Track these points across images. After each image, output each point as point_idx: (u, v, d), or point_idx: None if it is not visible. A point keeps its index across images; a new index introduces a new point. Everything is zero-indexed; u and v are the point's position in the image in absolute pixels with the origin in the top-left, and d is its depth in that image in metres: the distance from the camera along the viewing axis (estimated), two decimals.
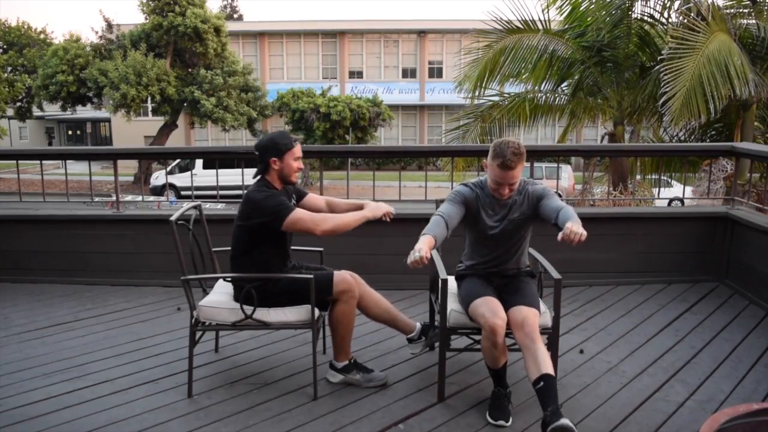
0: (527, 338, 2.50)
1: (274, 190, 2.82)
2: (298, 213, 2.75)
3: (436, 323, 3.12)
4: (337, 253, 3.60)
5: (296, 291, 2.82)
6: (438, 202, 3.39)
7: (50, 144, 37.86)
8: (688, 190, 8.80)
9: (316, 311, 2.82)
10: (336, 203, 3.07)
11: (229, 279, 2.94)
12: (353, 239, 3.96)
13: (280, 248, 2.94)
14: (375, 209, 2.93)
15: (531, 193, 2.73)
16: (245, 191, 2.88)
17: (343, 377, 2.96)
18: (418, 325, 3.07)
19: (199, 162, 16.30)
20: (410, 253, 2.39)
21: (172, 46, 21.46)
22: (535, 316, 2.58)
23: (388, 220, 2.98)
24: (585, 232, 2.37)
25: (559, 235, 2.41)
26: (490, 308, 2.57)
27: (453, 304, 2.78)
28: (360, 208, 2.97)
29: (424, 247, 2.41)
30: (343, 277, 2.87)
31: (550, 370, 2.42)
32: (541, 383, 2.39)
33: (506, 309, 2.63)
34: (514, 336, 2.58)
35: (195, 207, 3.16)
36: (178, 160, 18.37)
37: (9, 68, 24.53)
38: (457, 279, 2.95)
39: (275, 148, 2.80)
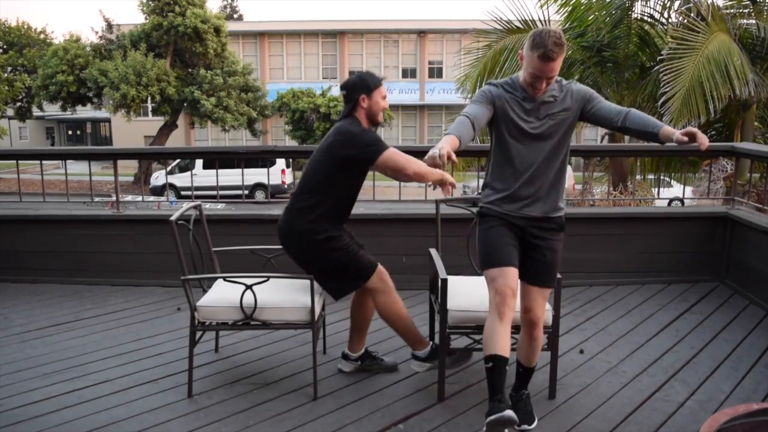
0: (528, 327, 2.51)
1: (366, 129, 2.79)
2: (394, 150, 2.73)
3: (374, 353, 3.13)
4: None
5: (349, 263, 2.81)
6: (438, 202, 3.40)
7: (51, 144, 37.85)
8: (688, 190, 8.80)
9: (317, 310, 2.82)
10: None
11: (231, 279, 2.94)
12: None
13: (351, 196, 2.89)
14: (448, 176, 2.81)
15: (576, 90, 2.46)
16: (335, 125, 2.83)
17: (431, 364, 3.02)
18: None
19: (199, 162, 16.29)
20: (430, 152, 2.14)
21: (172, 46, 21.47)
22: (545, 300, 2.53)
23: (448, 195, 2.84)
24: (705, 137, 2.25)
25: (680, 137, 2.23)
26: (506, 281, 2.37)
27: (453, 303, 2.77)
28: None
29: (445, 146, 2.18)
30: (381, 273, 2.89)
31: (535, 364, 2.62)
32: (522, 370, 2.63)
33: (522, 275, 2.46)
34: (520, 315, 2.52)
35: (195, 207, 3.16)
36: (178, 160, 18.36)
37: (9, 68, 24.53)
38: (479, 214, 2.59)
39: (365, 85, 2.78)
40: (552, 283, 2.53)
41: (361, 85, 2.79)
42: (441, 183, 2.76)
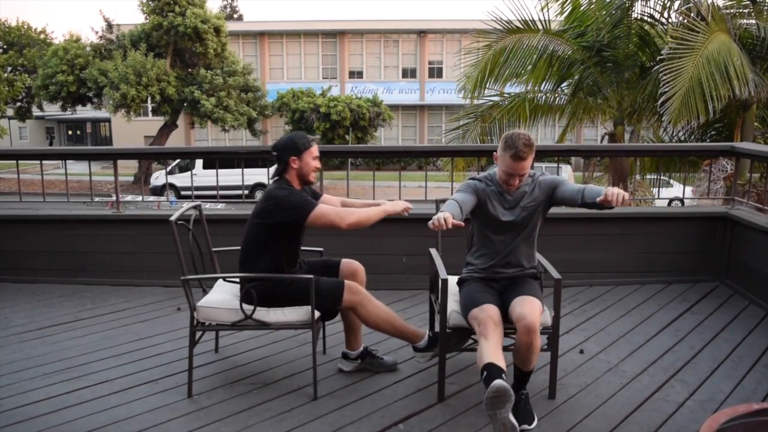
0: (527, 332, 2.49)
1: (294, 188, 2.84)
2: (323, 208, 2.80)
3: (374, 351, 3.15)
4: (337, 253, 3.59)
5: (302, 293, 2.81)
6: (438, 202, 3.40)
7: (51, 144, 37.83)
8: (688, 190, 8.80)
9: (317, 313, 2.82)
10: (352, 203, 3.10)
11: (231, 279, 2.94)
12: (353, 239, 3.97)
13: (294, 247, 2.95)
14: (394, 204, 2.99)
15: (542, 181, 2.77)
16: (266, 189, 2.90)
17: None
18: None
19: (199, 162, 16.30)
20: (433, 218, 2.41)
21: (172, 46, 21.47)
22: (538, 311, 2.56)
23: (406, 214, 3.02)
24: (625, 193, 2.49)
25: (599, 198, 2.49)
26: (487, 313, 2.55)
27: (453, 305, 2.77)
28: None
29: (447, 214, 2.43)
30: (351, 288, 2.86)
31: (532, 367, 2.63)
32: (519, 374, 2.66)
33: (507, 304, 2.63)
34: (515, 325, 2.52)
35: (195, 207, 3.16)
36: (178, 160, 18.37)
37: (9, 68, 24.53)
38: (459, 283, 2.91)
39: (294, 147, 2.84)
40: (536, 295, 2.67)
41: (291, 147, 2.85)
42: (395, 213, 2.94)
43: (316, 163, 2.90)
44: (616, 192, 2.43)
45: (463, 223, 2.45)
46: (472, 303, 2.65)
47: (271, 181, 2.94)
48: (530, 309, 2.54)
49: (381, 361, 3.11)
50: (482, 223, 2.83)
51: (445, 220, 2.37)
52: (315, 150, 2.88)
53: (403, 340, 3.04)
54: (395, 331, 2.98)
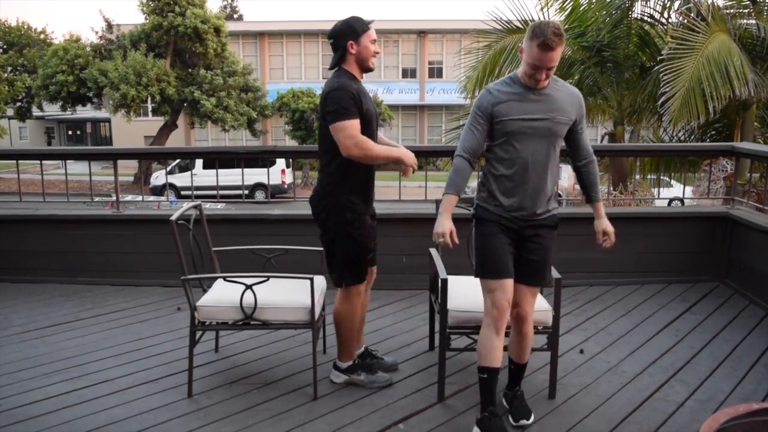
0: (518, 322, 2.55)
1: (351, 83, 2.64)
2: (355, 125, 2.58)
3: (374, 351, 3.12)
4: None
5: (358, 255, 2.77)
6: (438, 202, 3.39)
7: (49, 144, 37.81)
8: (688, 190, 8.80)
9: (317, 310, 2.82)
10: (379, 138, 2.89)
11: (232, 279, 2.94)
12: None
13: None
14: (407, 154, 2.76)
15: (581, 103, 2.51)
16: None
17: (346, 378, 2.96)
18: (354, 360, 2.97)
19: (199, 162, 16.30)
20: (434, 235, 2.44)
21: (172, 47, 21.47)
22: (534, 298, 2.57)
23: (410, 173, 2.81)
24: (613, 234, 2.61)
25: (598, 230, 2.65)
26: (506, 297, 2.45)
27: (453, 304, 2.77)
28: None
29: (446, 231, 2.41)
30: (360, 290, 2.84)
31: (526, 360, 2.64)
32: (513, 367, 2.65)
33: (516, 266, 2.50)
34: (510, 310, 2.49)
35: (195, 207, 3.16)
36: (178, 160, 18.37)
37: (9, 68, 24.53)
38: (475, 218, 2.61)
39: (352, 31, 2.65)
40: (542, 282, 2.58)
41: (347, 31, 2.65)
42: (399, 162, 2.74)
43: (375, 48, 2.70)
44: (610, 242, 2.64)
45: (457, 241, 2.45)
46: (493, 267, 2.46)
47: (330, 70, 2.73)
48: (528, 298, 2.53)
49: (381, 362, 3.10)
50: (499, 137, 2.46)
51: (444, 236, 2.39)
52: (373, 33, 2.69)
53: (339, 349, 2.95)
54: (344, 340, 2.91)
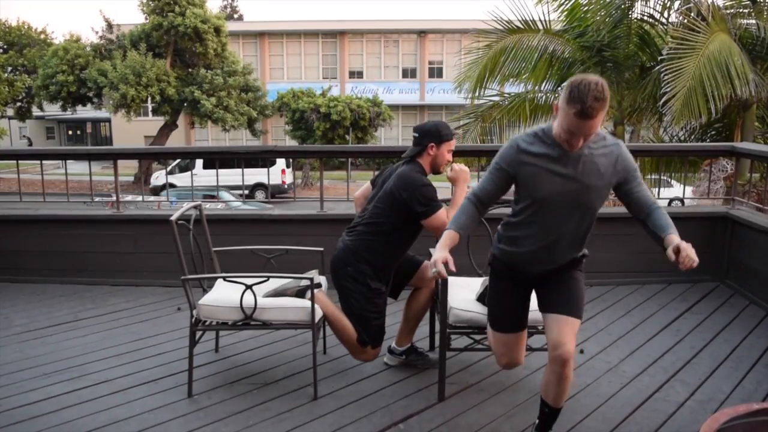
0: (559, 366, 2.19)
1: (427, 178, 2.85)
2: (444, 213, 2.78)
3: (420, 349, 3.21)
4: None
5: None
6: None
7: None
8: (688, 190, 8.80)
9: (317, 310, 2.82)
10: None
11: (232, 279, 2.94)
12: None
13: (399, 251, 2.96)
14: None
15: (623, 159, 2.19)
16: (398, 171, 2.86)
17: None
18: (410, 344, 3.18)
19: (199, 162, 16.30)
20: (432, 260, 2.25)
21: (172, 46, 21.48)
22: (574, 333, 2.23)
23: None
24: (696, 258, 2.09)
25: (670, 253, 2.11)
26: (507, 351, 2.45)
27: (453, 304, 2.77)
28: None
29: (439, 260, 2.20)
30: (427, 268, 2.95)
31: (562, 404, 2.35)
32: (548, 410, 2.36)
33: (541, 307, 2.34)
34: (548, 349, 2.25)
35: (195, 207, 3.16)
36: (178, 160, 18.38)
37: (9, 68, 24.54)
38: (490, 265, 2.47)
39: (437, 135, 2.85)
40: (577, 310, 2.26)
41: (434, 133, 2.86)
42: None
43: (449, 157, 2.92)
44: (692, 258, 2.07)
45: (454, 269, 2.23)
46: (492, 317, 2.48)
47: (402, 164, 2.91)
48: (568, 334, 2.19)
49: (426, 358, 3.17)
50: (524, 197, 2.26)
51: (439, 268, 2.19)
52: (453, 144, 2.90)
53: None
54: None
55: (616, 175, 2.19)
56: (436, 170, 2.92)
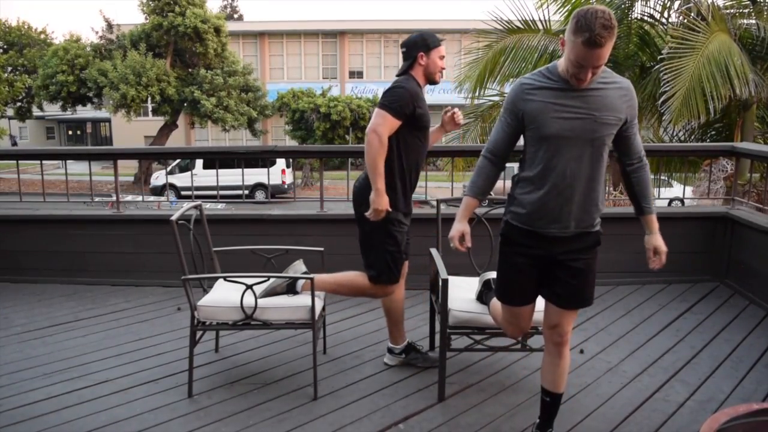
0: (555, 345, 2.26)
1: (416, 88, 2.79)
2: (392, 124, 2.72)
3: (419, 348, 3.20)
4: (337, 253, 3.60)
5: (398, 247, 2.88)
6: (439, 202, 3.40)
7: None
8: (688, 190, 8.80)
9: (317, 309, 2.82)
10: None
11: (232, 279, 2.94)
12: (353, 239, 3.97)
13: (408, 161, 2.86)
14: (378, 201, 2.78)
15: (632, 98, 2.12)
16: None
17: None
18: (406, 342, 3.17)
19: (199, 162, 16.30)
20: (449, 239, 2.32)
21: (172, 46, 21.49)
22: (572, 321, 2.26)
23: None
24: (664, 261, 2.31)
25: (648, 247, 2.36)
26: (514, 320, 2.38)
27: (453, 304, 2.77)
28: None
29: (456, 236, 2.27)
30: (388, 290, 2.97)
31: (562, 390, 2.34)
32: (548, 399, 2.35)
33: (549, 297, 2.26)
34: (543, 331, 2.33)
35: (195, 207, 3.16)
36: (178, 160, 18.37)
37: (9, 68, 24.54)
38: (502, 235, 2.31)
39: (424, 44, 2.81)
40: (580, 305, 2.25)
41: (420, 43, 2.81)
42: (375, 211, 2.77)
43: (443, 63, 2.87)
44: (660, 262, 2.33)
45: (470, 244, 2.31)
46: (501, 291, 2.34)
47: (396, 76, 2.88)
48: (567, 318, 2.24)
49: (426, 356, 3.16)
50: (534, 137, 2.13)
51: (456, 249, 2.27)
52: (443, 50, 2.86)
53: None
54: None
55: (625, 112, 2.11)
56: (431, 80, 2.86)
